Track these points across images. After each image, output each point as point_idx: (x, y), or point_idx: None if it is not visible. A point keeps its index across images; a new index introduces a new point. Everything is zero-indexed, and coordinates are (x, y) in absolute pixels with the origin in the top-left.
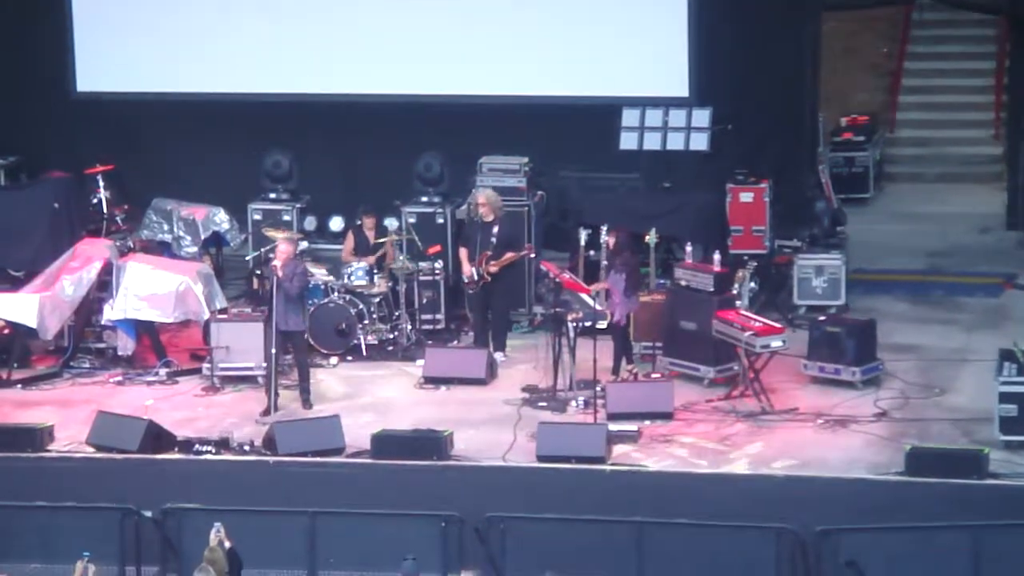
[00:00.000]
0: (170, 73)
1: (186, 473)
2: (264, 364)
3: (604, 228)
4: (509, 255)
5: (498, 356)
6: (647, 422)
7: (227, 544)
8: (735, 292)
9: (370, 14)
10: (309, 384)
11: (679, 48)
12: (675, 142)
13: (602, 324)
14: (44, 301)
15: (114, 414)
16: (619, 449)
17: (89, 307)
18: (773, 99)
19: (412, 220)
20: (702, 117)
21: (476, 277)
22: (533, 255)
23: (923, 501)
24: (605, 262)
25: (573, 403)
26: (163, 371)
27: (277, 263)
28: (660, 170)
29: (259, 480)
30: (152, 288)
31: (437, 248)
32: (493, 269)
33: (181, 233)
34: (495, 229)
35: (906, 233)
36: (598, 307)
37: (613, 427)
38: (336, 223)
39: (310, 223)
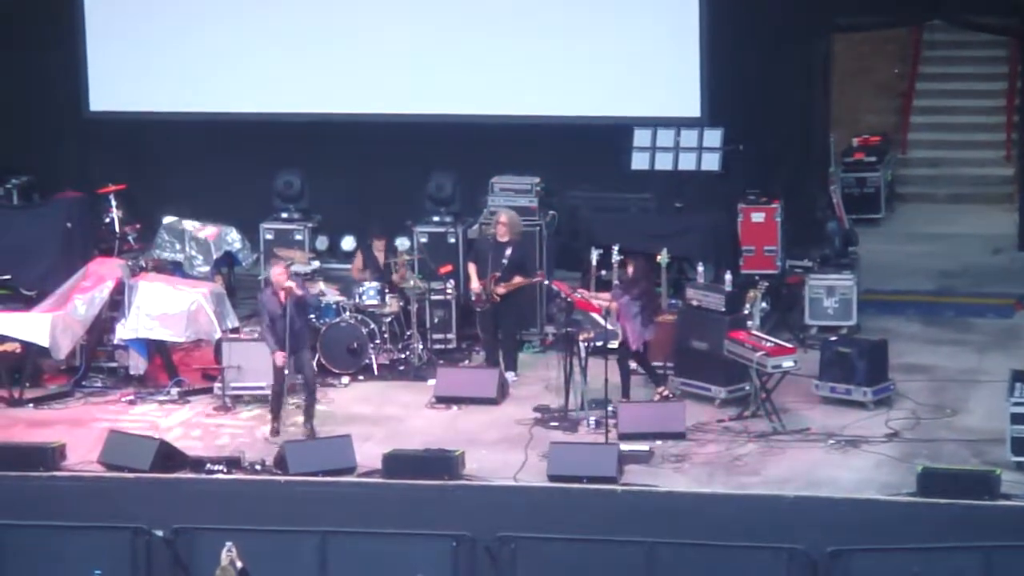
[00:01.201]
0: (182, 93)
1: (197, 492)
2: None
3: (615, 248)
4: (518, 280)
5: (509, 376)
6: (659, 442)
7: (239, 564)
8: (747, 312)
9: (381, 34)
10: (314, 408)
11: (691, 68)
12: (687, 162)
13: (613, 344)
14: (56, 320)
15: (126, 433)
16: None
17: (101, 326)
18: (785, 119)
19: (424, 240)
20: (714, 137)
21: (484, 296)
22: (546, 282)
23: (934, 522)
24: (617, 281)
25: (584, 423)
26: (175, 390)
27: (291, 284)
28: (672, 190)
29: (270, 499)
30: (164, 307)
31: (448, 268)
32: (501, 291)
33: (193, 253)
34: (508, 251)
35: (918, 254)
36: (609, 327)
37: (625, 447)
38: (348, 243)
39: (322, 243)
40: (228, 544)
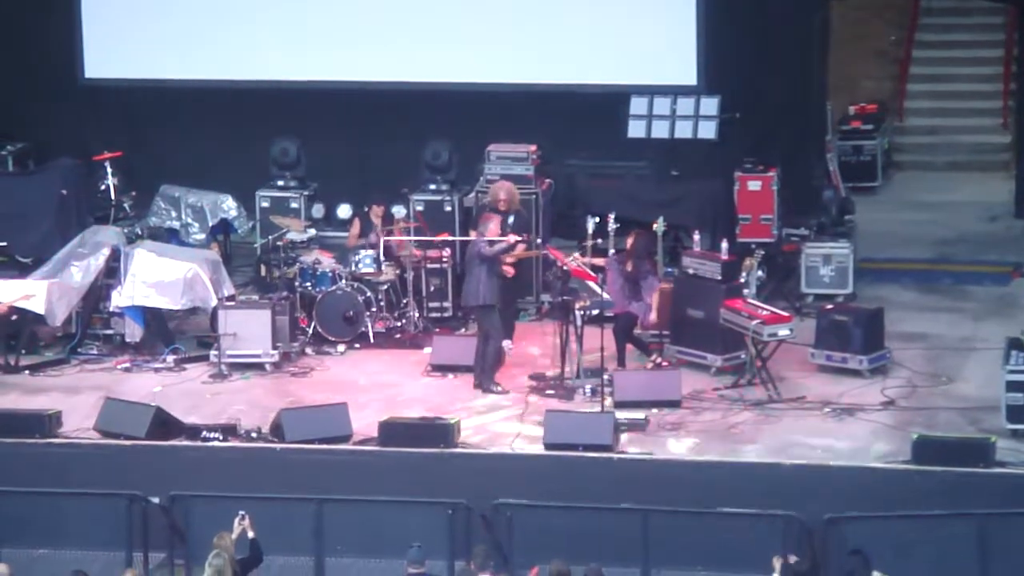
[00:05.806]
0: (178, 60)
1: (193, 460)
2: (272, 351)
3: (612, 216)
4: (522, 248)
5: (505, 344)
6: (654, 410)
7: (250, 534)
8: (743, 280)
9: (379, 1)
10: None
11: (688, 36)
12: (683, 130)
13: (610, 312)
14: (52, 287)
15: (122, 400)
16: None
17: (97, 294)
18: (781, 87)
19: (420, 208)
20: (710, 105)
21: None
22: (552, 257)
23: (929, 489)
24: (612, 250)
25: (580, 391)
26: (171, 358)
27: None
28: (668, 158)
29: (266, 467)
30: (160, 275)
31: (445, 236)
32: (509, 261)
33: (189, 220)
34: (510, 220)
35: (914, 222)
36: (605, 295)
37: (620, 415)
38: (344, 211)
39: (318, 210)
40: (241, 512)
